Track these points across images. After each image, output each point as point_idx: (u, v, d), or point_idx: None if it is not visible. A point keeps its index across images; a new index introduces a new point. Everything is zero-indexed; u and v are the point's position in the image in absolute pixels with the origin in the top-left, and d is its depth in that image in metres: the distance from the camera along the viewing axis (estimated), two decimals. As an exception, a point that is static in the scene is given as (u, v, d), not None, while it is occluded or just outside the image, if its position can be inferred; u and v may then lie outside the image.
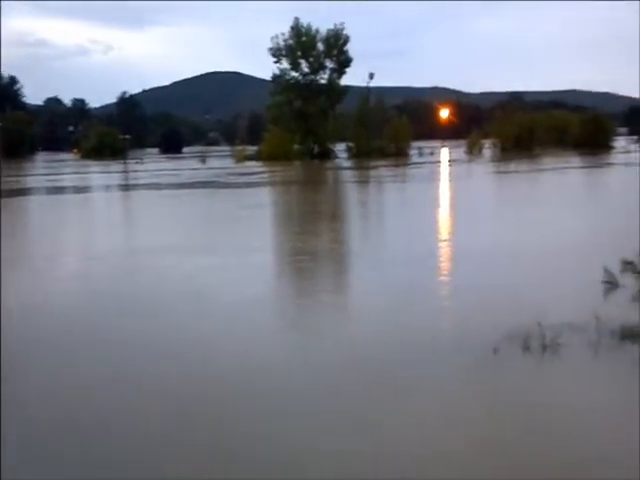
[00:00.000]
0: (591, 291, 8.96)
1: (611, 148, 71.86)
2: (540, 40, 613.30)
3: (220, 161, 65.70)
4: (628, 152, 64.91)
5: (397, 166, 49.20)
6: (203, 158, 67.23)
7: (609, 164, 46.93)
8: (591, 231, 14.60)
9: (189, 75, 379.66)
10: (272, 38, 69.28)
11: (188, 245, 14.71)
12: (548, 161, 49.28)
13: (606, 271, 9.30)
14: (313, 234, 16.03)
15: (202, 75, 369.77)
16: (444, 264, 12.06)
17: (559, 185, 30.04)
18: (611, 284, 9.19)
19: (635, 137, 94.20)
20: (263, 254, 13.52)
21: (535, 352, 6.67)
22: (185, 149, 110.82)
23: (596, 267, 9.42)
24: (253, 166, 55.13)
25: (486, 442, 4.93)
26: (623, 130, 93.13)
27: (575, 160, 50.15)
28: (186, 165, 60.32)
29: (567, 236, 14.07)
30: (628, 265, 9.30)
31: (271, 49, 69.64)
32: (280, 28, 70.08)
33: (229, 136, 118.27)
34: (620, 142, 79.19)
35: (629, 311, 7.98)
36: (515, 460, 4.64)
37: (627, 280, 9.15)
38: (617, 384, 6.00)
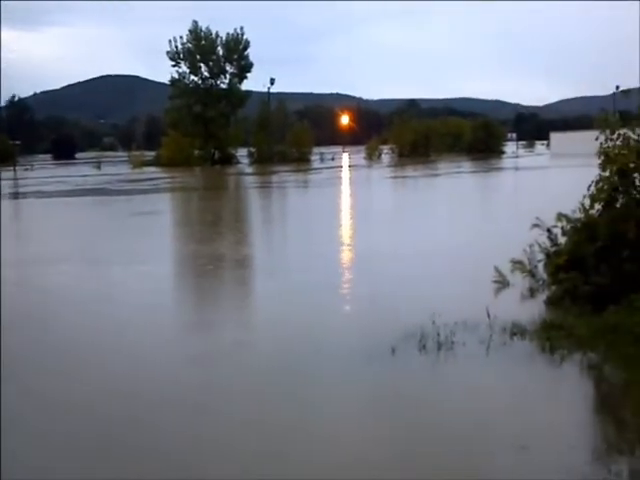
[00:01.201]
0: (484, 290, 9.24)
1: (502, 153, 75.50)
2: (434, 49, 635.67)
3: (116, 167, 63.85)
4: (517, 157, 68.37)
5: (299, 171, 49.45)
6: (98, 164, 65.10)
7: (500, 168, 49.12)
8: (483, 233, 15.12)
9: (83, 78, 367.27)
10: (170, 41, 68.18)
11: (64, 256, 13.88)
12: (443, 166, 51.03)
13: (497, 271, 9.64)
14: (207, 243, 15.47)
15: (97, 78, 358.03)
16: (344, 268, 12.12)
17: (452, 189, 31.08)
18: (502, 283, 9.53)
19: (523, 142, 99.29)
20: (144, 265, 12.71)
21: (430, 351, 6.79)
22: (79, 155, 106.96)
23: (489, 267, 9.74)
24: (150, 172, 53.83)
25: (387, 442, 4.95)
26: (512, 136, 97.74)
27: (468, 165, 52.21)
28: (79, 172, 58.13)
29: (460, 238, 14.50)
30: (517, 264, 9.66)
31: (169, 52, 68.55)
32: (179, 31, 69.18)
33: (126, 141, 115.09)
34: (510, 147, 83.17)
35: (519, 308, 8.31)
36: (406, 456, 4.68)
37: (517, 279, 9.51)
38: (505, 379, 6.19)
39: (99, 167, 63.21)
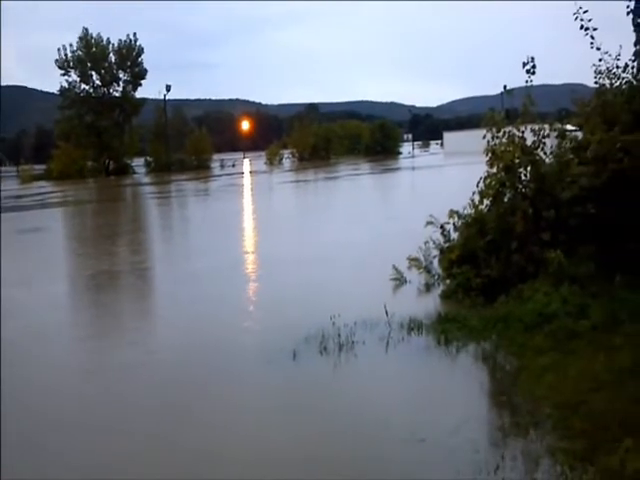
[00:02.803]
0: (383, 289, 9.39)
1: (399, 153, 77.65)
2: (332, 53, 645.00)
3: (3, 183, 60.60)
4: (413, 157, 70.47)
5: (198, 179, 48.78)
6: (-16, 180, 61.72)
7: (397, 169, 50.39)
8: (381, 233, 15.37)
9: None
10: (59, 49, 65.59)
11: None
12: (343, 168, 51.78)
13: (394, 268, 9.82)
14: (97, 258, 14.61)
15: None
16: (247, 275, 11.94)
17: (352, 191, 31.46)
18: (399, 280, 9.72)
19: (419, 143, 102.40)
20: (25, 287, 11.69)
21: (331, 352, 6.81)
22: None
23: (387, 266, 9.91)
24: (40, 186, 51.45)
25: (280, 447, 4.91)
26: (408, 136, 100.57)
27: (367, 166, 53.23)
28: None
29: (359, 239, 14.63)
30: (413, 261, 9.88)
31: (58, 61, 65.91)
32: (68, 39, 66.74)
33: (14, 155, 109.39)
34: (406, 148, 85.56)
35: (416, 304, 8.49)
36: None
37: (413, 275, 9.73)
38: (403, 374, 6.30)
39: (-15, 183, 59.97)
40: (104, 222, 23.93)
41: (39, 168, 67.37)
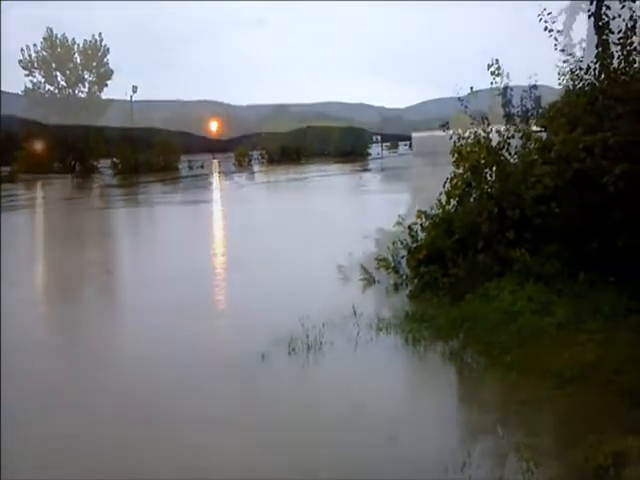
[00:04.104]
0: (351, 289, 9.40)
1: (368, 155, 77.90)
2: (301, 54, 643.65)
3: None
4: (382, 158, 70.89)
5: (165, 181, 48.29)
6: (-53, 184, 60.28)
7: (366, 170, 50.59)
8: (347, 235, 15.28)
9: None
10: (22, 50, 64.44)
11: None
12: (313, 169, 51.77)
13: (363, 269, 9.85)
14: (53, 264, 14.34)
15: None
16: (215, 278, 11.83)
17: (318, 193, 31.38)
18: (368, 281, 9.73)
19: (387, 144, 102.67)
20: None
21: (300, 353, 6.79)
22: None
23: (356, 266, 9.93)
24: (4, 189, 50.39)
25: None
26: (377, 138, 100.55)
27: (336, 168, 53.27)
28: None
29: (326, 240, 14.55)
30: (382, 262, 9.91)
31: (22, 61, 64.71)
32: (32, 39, 65.53)
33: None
34: (375, 149, 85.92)
35: (384, 304, 8.52)
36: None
37: (382, 276, 9.75)
38: (371, 374, 6.28)
39: (-52, 187, 58.61)
40: (66, 226, 23.43)
41: (4, 170, 66.04)
